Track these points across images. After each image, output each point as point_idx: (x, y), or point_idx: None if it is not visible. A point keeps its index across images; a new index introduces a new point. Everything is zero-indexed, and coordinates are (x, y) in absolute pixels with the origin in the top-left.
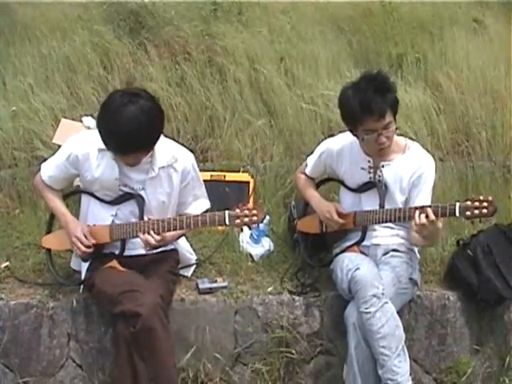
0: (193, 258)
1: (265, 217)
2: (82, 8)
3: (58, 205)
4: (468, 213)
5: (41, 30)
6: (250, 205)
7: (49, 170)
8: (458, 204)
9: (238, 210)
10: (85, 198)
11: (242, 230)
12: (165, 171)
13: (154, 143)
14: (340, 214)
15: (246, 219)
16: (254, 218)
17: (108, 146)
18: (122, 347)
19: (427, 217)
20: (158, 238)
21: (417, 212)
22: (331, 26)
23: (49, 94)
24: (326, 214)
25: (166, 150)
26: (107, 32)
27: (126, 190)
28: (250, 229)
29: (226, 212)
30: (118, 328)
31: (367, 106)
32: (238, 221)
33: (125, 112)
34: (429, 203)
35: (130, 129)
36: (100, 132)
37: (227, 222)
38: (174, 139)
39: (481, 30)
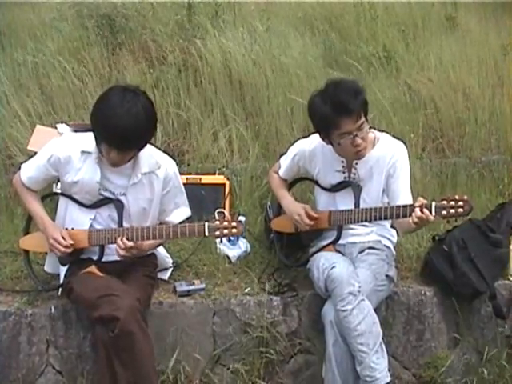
0: (170, 261)
1: (244, 230)
2: (56, 12)
3: (36, 208)
4: (444, 212)
5: (15, 37)
6: (229, 217)
7: (29, 171)
8: (433, 203)
9: (217, 222)
10: (62, 201)
11: (221, 240)
12: (147, 177)
13: (147, 142)
14: (310, 216)
15: (226, 231)
16: (234, 230)
17: (104, 140)
18: (102, 352)
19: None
20: (129, 244)
21: (417, 209)
22: (305, 26)
23: (24, 101)
24: (295, 216)
25: (150, 156)
26: (81, 37)
27: (106, 194)
28: (229, 240)
29: (206, 224)
30: (97, 333)
31: (343, 107)
32: (217, 232)
33: (127, 107)
34: (408, 189)
35: (132, 124)
36: (96, 124)
37: (206, 234)
38: (151, 143)
39: (453, 27)
